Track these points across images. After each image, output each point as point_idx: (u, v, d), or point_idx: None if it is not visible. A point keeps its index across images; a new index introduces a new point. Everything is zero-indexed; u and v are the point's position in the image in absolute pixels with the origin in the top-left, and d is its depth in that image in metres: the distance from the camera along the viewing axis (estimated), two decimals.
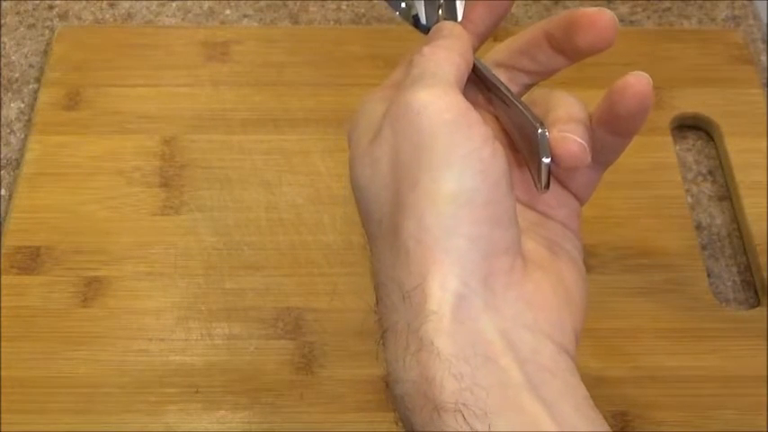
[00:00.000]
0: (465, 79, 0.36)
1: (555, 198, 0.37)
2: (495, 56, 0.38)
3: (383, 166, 0.34)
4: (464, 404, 0.30)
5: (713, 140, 0.60)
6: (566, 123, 0.34)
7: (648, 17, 0.66)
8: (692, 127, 0.60)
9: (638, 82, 0.33)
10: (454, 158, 0.32)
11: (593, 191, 0.38)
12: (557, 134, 0.34)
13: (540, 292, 0.33)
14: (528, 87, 0.38)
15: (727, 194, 0.57)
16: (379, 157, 0.34)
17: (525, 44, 0.37)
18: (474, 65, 0.37)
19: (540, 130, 0.34)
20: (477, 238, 0.32)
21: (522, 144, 0.36)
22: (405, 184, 0.33)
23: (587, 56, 0.35)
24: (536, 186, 0.35)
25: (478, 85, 0.37)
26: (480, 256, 0.32)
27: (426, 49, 0.36)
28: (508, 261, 0.33)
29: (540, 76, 0.38)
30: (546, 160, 0.34)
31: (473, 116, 0.33)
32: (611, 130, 0.35)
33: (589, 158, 0.34)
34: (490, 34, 0.38)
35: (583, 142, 0.34)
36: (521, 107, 0.35)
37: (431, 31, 0.38)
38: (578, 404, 0.32)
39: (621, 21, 0.65)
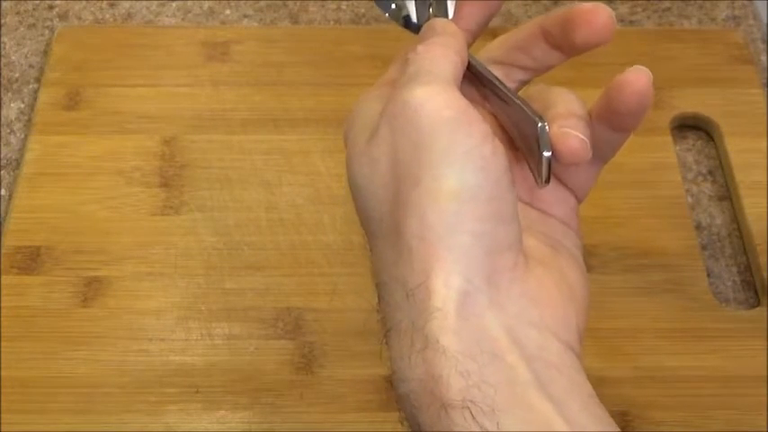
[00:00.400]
0: (461, 76, 0.35)
1: (553, 195, 0.37)
2: (488, 53, 0.38)
3: (382, 165, 0.33)
4: (471, 401, 0.29)
5: (713, 140, 0.60)
6: (566, 119, 0.34)
7: (648, 17, 0.66)
8: (692, 127, 0.60)
9: (637, 80, 0.33)
10: (455, 156, 0.32)
11: (592, 187, 0.38)
12: (557, 130, 0.34)
13: (544, 288, 0.33)
14: (523, 83, 0.38)
15: (727, 194, 0.57)
16: (378, 156, 0.34)
17: (521, 40, 0.37)
18: (469, 62, 0.37)
19: (540, 124, 0.34)
20: (480, 235, 0.32)
21: (521, 140, 0.36)
22: (405, 183, 0.32)
23: (584, 51, 0.35)
24: (536, 181, 0.35)
25: (473, 82, 0.37)
26: (484, 252, 0.32)
27: (421, 47, 0.35)
28: (511, 257, 0.32)
29: (536, 72, 0.38)
30: (547, 154, 0.34)
31: (472, 113, 0.33)
32: (610, 126, 0.35)
33: (590, 154, 0.34)
34: (481, 32, 0.38)
35: (584, 138, 0.34)
36: (519, 103, 0.35)
37: (423, 29, 0.37)
38: (585, 402, 0.31)
39: (621, 21, 0.65)
